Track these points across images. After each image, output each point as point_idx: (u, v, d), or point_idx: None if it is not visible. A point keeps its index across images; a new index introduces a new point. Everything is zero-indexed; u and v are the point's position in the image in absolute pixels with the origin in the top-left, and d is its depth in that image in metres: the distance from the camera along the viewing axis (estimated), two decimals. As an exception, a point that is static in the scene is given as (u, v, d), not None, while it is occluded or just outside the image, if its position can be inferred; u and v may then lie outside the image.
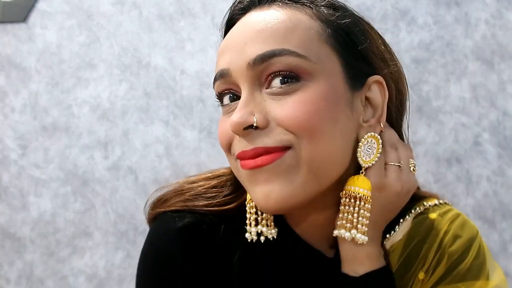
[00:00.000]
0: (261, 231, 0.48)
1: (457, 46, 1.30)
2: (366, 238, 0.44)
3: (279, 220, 0.50)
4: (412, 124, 1.31)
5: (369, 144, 0.44)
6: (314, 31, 0.43)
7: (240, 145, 0.42)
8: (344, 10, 0.47)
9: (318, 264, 0.46)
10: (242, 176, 0.44)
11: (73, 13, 1.37)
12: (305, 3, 0.45)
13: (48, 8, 1.37)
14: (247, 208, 0.49)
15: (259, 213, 0.48)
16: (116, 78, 1.36)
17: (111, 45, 1.37)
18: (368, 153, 0.44)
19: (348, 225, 0.44)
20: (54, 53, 1.37)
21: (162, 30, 1.36)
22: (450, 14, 1.30)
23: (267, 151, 0.40)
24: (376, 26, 0.51)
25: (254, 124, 0.40)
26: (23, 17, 1.36)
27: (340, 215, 0.45)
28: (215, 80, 0.45)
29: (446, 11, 1.30)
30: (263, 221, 0.48)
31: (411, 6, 1.31)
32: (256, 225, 0.48)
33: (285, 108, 0.40)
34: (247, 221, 0.48)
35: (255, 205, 0.48)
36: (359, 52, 0.45)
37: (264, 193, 0.41)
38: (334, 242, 0.48)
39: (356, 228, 0.44)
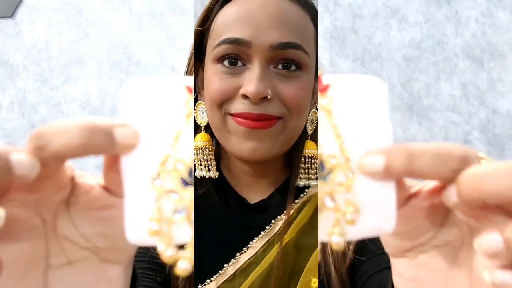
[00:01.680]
0: (204, 172, 0.59)
1: (447, 44, 1.31)
2: (316, 182, 0.56)
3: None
4: (403, 122, 1.32)
5: (311, 116, 0.58)
6: (312, 33, 0.54)
7: (244, 107, 0.51)
8: (315, 8, 0.56)
9: (241, 207, 0.56)
10: (232, 129, 0.52)
11: (62, 8, 1.35)
12: (306, 5, 0.54)
13: (36, 4, 1.35)
14: (194, 155, 0.59)
15: (201, 158, 0.58)
16: (106, 75, 1.35)
17: (101, 42, 1.35)
18: (310, 124, 0.58)
19: (306, 175, 0.57)
20: (43, 49, 1.35)
21: (152, 26, 1.35)
22: (441, 13, 1.31)
23: (268, 117, 0.51)
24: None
25: (268, 97, 0.50)
26: (10, 13, 1.34)
27: (301, 171, 0.57)
28: (227, 42, 0.51)
29: (437, 10, 1.31)
30: (207, 166, 0.58)
31: (402, 4, 1.31)
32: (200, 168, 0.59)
33: (287, 89, 0.52)
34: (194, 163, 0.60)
35: (203, 154, 0.59)
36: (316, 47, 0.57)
37: (253, 148, 0.51)
38: (257, 191, 0.59)
39: (308, 178, 0.57)
